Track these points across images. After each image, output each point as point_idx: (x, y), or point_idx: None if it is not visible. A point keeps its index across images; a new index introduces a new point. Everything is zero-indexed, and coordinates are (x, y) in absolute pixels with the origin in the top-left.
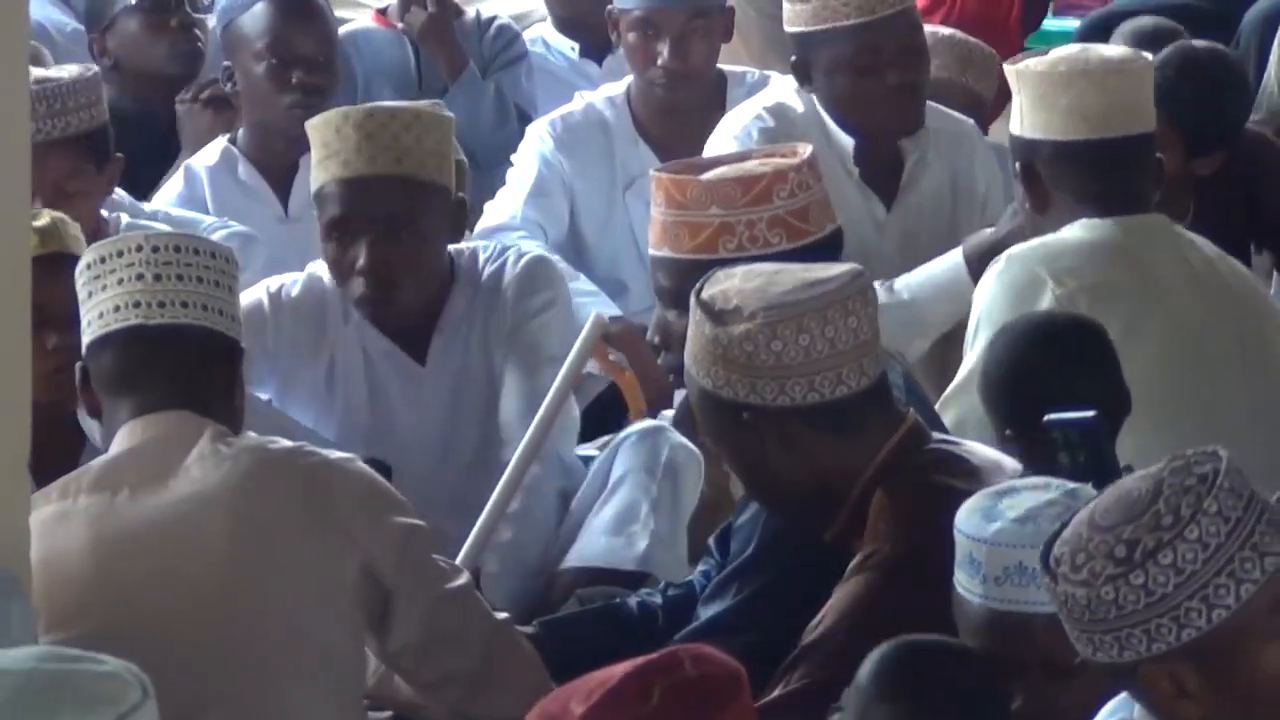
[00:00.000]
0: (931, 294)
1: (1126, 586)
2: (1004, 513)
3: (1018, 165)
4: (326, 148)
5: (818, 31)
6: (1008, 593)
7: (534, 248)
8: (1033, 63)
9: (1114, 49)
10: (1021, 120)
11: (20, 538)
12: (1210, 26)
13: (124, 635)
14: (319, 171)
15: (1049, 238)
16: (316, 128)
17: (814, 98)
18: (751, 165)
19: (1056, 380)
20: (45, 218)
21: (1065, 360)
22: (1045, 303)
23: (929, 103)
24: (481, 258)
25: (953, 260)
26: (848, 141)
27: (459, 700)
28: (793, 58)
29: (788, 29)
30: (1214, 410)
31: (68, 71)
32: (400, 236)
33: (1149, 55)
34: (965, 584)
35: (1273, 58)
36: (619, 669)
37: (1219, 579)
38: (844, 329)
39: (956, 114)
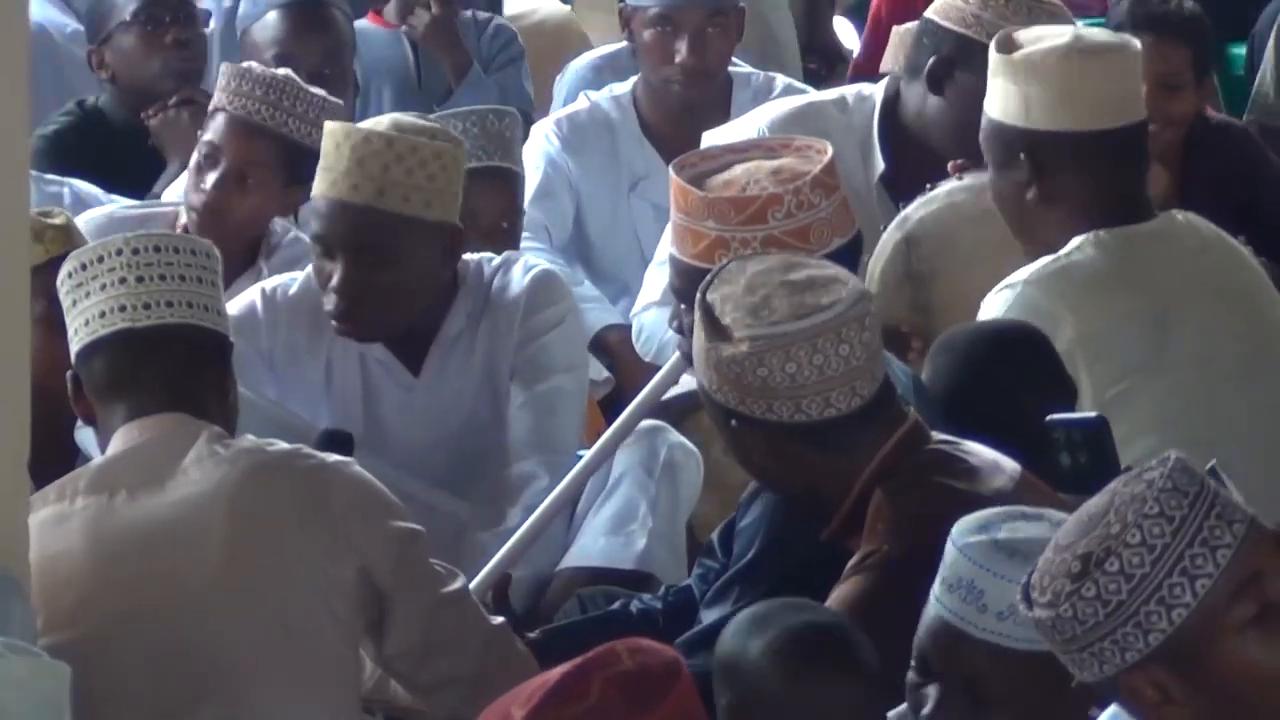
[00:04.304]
0: None
1: (1082, 600)
2: (998, 525)
3: (1022, 156)
4: (325, 159)
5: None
6: (953, 604)
7: (541, 260)
8: (1034, 52)
9: (1100, 33)
10: (1028, 111)
11: (20, 538)
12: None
13: (121, 635)
14: (317, 179)
15: (1062, 261)
16: (325, 134)
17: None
18: (757, 177)
19: (1000, 391)
20: (61, 217)
21: (1009, 371)
22: (1065, 335)
23: None
24: (487, 270)
25: None
26: (880, 164)
27: (456, 704)
28: (934, 58)
29: (948, 25)
30: (1239, 423)
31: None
32: (370, 265)
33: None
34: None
35: (1268, 57)
36: (557, 670)
37: (1171, 579)
38: (834, 356)
39: None
